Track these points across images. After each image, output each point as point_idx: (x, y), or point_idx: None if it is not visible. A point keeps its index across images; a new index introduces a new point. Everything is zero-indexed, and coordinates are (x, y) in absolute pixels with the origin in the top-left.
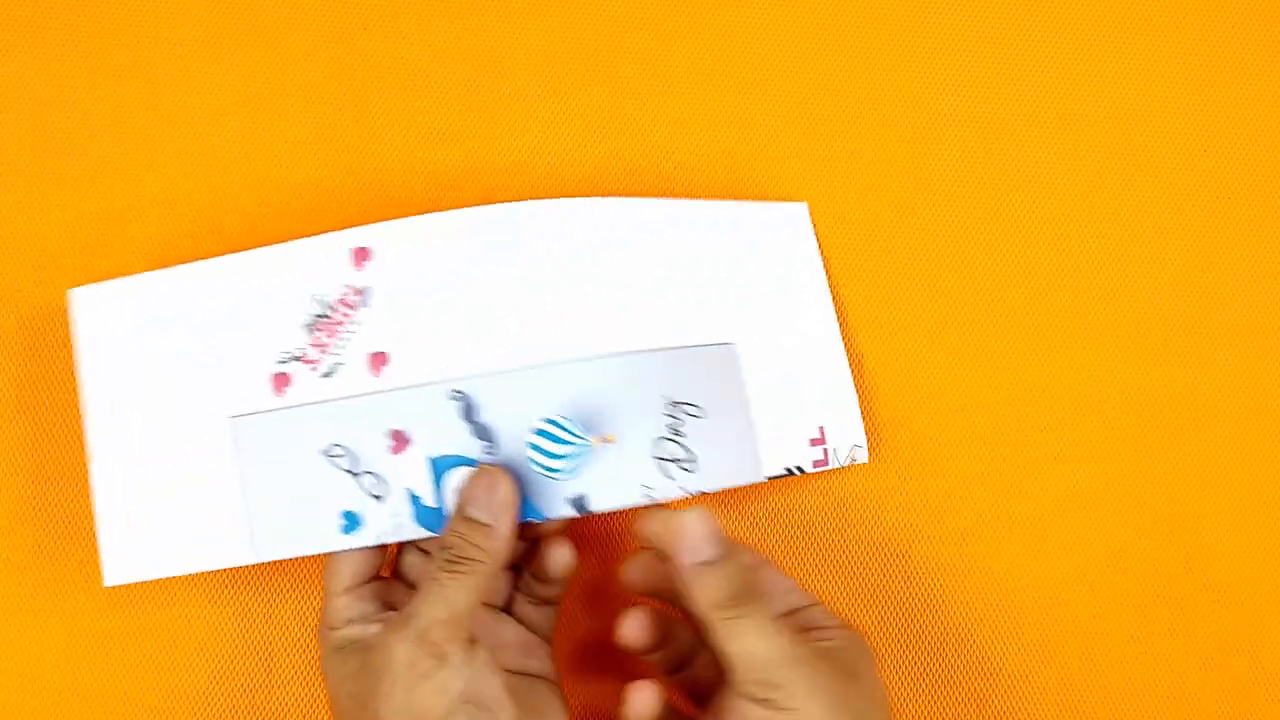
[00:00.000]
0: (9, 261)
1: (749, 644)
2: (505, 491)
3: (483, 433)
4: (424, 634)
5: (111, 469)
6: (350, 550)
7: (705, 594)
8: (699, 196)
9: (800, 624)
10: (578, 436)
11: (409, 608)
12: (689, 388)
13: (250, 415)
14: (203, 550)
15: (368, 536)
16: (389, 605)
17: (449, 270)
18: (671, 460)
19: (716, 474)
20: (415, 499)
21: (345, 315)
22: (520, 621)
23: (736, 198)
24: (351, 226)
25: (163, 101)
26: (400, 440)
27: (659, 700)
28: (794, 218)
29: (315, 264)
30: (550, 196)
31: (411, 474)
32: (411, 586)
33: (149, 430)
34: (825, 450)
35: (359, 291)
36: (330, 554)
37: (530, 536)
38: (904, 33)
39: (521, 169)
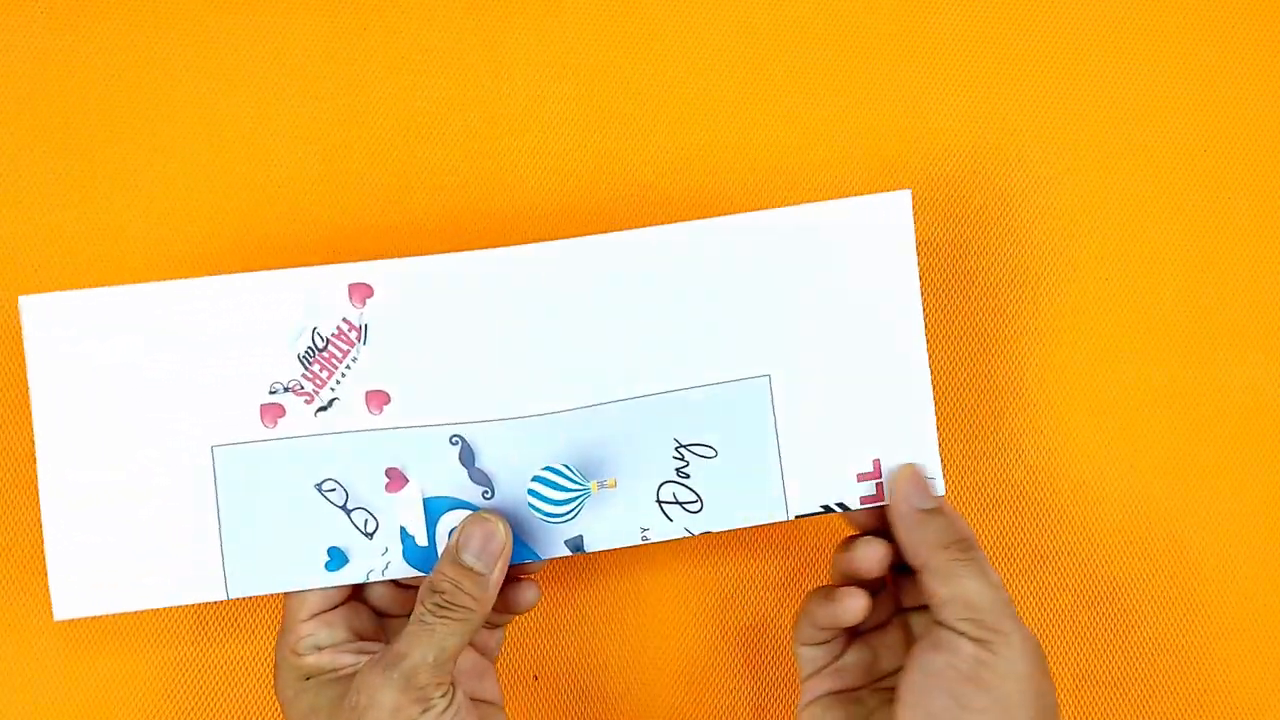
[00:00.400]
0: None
1: (971, 586)
2: (501, 540)
3: (481, 478)
4: (411, 678)
5: (62, 493)
6: None
7: (931, 536)
8: (705, 196)
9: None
10: (577, 483)
11: (396, 648)
12: (701, 428)
13: (237, 445)
14: (165, 585)
15: (354, 574)
16: (356, 633)
17: (454, 313)
18: (674, 502)
19: (728, 514)
20: (408, 538)
21: (343, 351)
22: (473, 645)
23: (740, 196)
24: (348, 228)
25: (163, 102)
26: (396, 479)
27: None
28: (892, 209)
29: (312, 295)
30: (550, 195)
31: (406, 513)
32: (377, 613)
33: (109, 454)
34: (879, 484)
35: (356, 328)
36: None
37: None
38: (904, 33)
39: (521, 168)
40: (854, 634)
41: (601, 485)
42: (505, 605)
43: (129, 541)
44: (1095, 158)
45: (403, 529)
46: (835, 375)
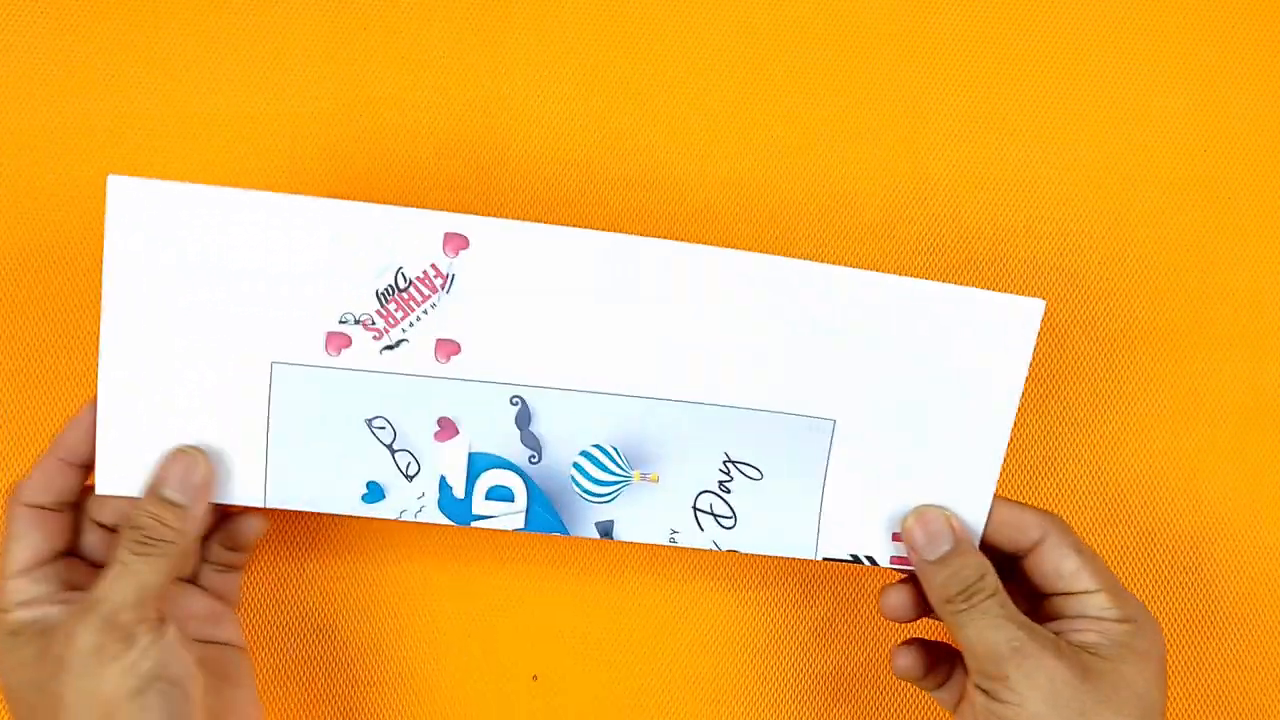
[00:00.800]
0: None
1: (972, 635)
2: (203, 473)
3: (531, 442)
4: (111, 618)
5: (119, 374)
6: (28, 529)
7: (934, 588)
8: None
9: (1056, 612)
10: (621, 469)
11: (94, 591)
12: (754, 449)
13: (296, 365)
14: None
15: (387, 510)
16: (71, 585)
17: (541, 281)
18: (710, 513)
19: (757, 538)
20: (445, 487)
21: (424, 295)
22: (207, 590)
23: (741, 184)
24: None
25: (162, 102)
26: (448, 429)
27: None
28: (1022, 313)
29: (404, 235)
30: (551, 194)
31: (449, 463)
32: (94, 565)
33: (170, 346)
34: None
35: (443, 276)
36: (6, 533)
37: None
38: (904, 33)
39: (521, 168)
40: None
41: (644, 477)
42: (232, 541)
43: (178, 434)
44: (1095, 158)
45: (443, 478)
46: (902, 440)
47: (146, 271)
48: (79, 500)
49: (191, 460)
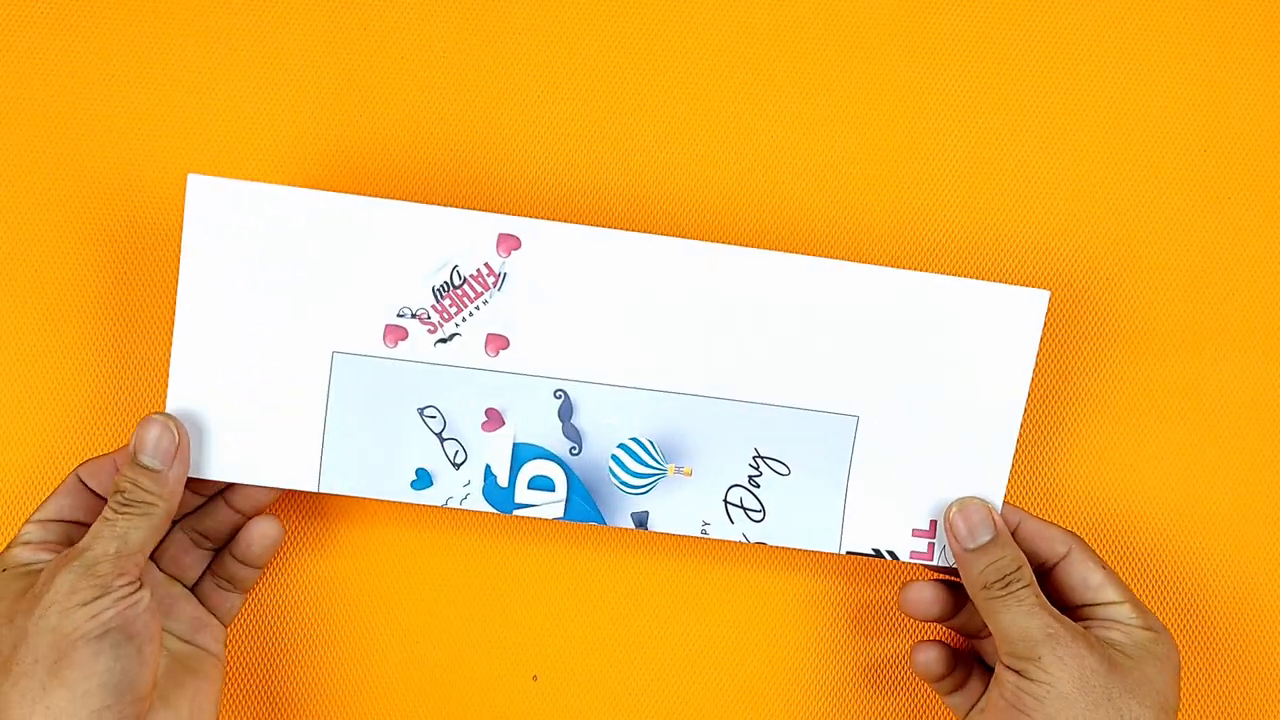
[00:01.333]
0: None
1: (1008, 619)
2: (174, 437)
3: (573, 434)
4: (91, 567)
5: (189, 361)
6: (66, 492)
7: (972, 576)
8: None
9: (1085, 615)
10: (657, 462)
11: (81, 543)
12: (782, 445)
13: (356, 355)
14: (265, 466)
15: (434, 497)
16: (71, 542)
17: (588, 280)
18: (740, 506)
19: (785, 531)
20: (490, 475)
21: (476, 292)
22: (203, 603)
23: (742, 185)
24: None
25: (161, 102)
26: (495, 419)
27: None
28: (1027, 304)
29: (460, 235)
30: (552, 194)
31: (494, 452)
32: None
33: (238, 335)
34: (930, 545)
35: (495, 275)
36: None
37: (235, 514)
38: (904, 33)
39: (520, 167)
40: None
41: (678, 470)
42: (242, 552)
43: (240, 420)
44: (1095, 158)
45: (488, 466)
46: (920, 435)
47: (219, 263)
48: None
49: (161, 427)
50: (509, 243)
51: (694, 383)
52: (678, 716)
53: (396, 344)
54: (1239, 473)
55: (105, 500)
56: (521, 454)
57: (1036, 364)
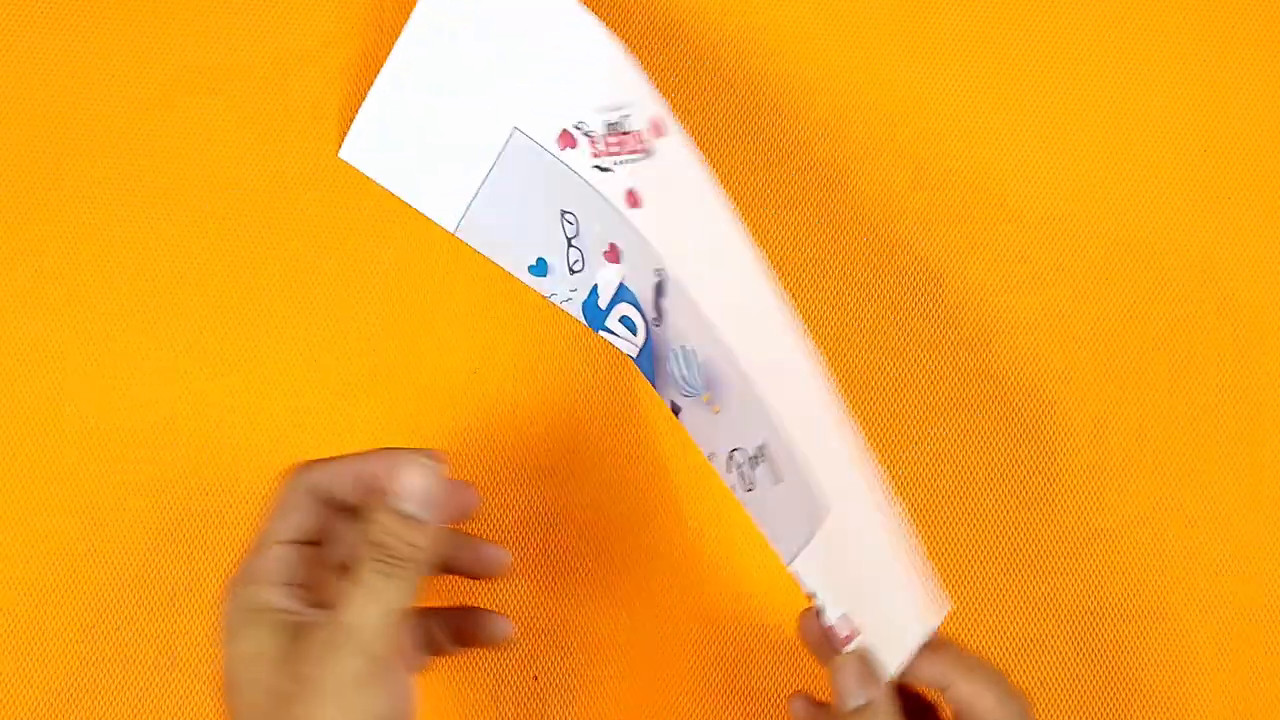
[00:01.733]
0: None
1: None
2: (439, 482)
3: (659, 309)
4: (368, 648)
5: (398, 78)
6: (305, 499)
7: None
8: None
9: None
10: (694, 381)
11: (345, 617)
12: (785, 464)
13: (532, 141)
14: (422, 191)
15: (544, 286)
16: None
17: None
18: (739, 467)
19: (761, 513)
20: (594, 293)
21: (636, 147)
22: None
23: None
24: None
25: (161, 101)
26: (614, 254)
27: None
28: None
29: (643, 92)
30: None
31: (604, 278)
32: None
33: (445, 80)
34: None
35: (646, 146)
36: (278, 499)
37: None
38: (904, 33)
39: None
40: None
41: (710, 403)
42: (465, 635)
43: (419, 146)
44: (1095, 158)
45: (595, 286)
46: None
47: (444, 26)
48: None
49: (427, 470)
50: (659, 128)
51: (743, 349)
52: (679, 717)
53: (564, 149)
54: (1239, 472)
55: (328, 507)
56: (623, 293)
57: (1032, 362)
